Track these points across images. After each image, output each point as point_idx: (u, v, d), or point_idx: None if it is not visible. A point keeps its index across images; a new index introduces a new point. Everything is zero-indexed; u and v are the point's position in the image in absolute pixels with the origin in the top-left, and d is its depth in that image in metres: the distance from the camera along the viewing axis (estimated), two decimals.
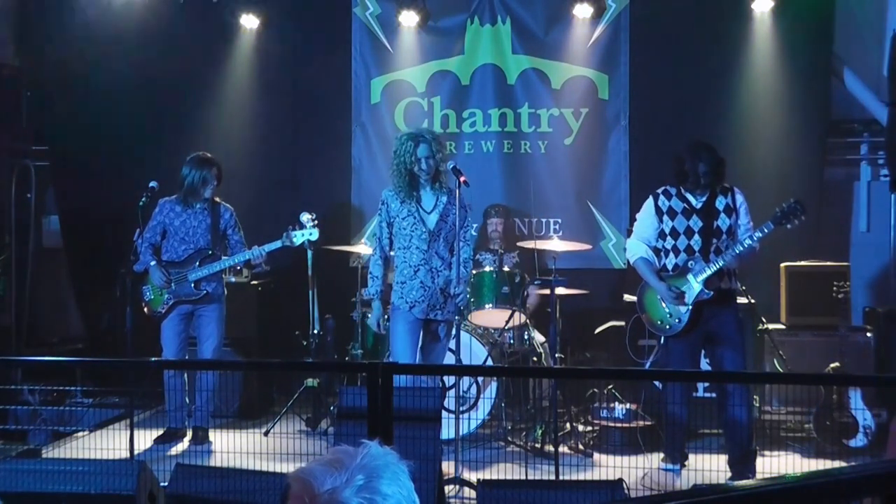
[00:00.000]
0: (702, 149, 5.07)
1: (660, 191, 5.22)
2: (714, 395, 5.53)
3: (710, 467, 5.07)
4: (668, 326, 5.13)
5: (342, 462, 1.57)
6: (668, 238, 5.15)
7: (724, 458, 5.16)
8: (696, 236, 5.08)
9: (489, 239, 6.78)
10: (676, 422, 5.21)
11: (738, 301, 5.35)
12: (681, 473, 5.15)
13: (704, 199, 5.10)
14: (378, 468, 1.57)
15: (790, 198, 4.90)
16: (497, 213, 6.82)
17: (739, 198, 5.13)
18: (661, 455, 5.26)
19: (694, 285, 5.00)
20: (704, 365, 5.39)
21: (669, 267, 5.14)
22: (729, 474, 5.03)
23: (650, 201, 5.23)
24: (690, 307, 5.02)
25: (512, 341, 6.10)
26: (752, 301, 5.79)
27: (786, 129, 6.96)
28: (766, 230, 4.85)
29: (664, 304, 5.12)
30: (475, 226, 6.93)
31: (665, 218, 5.14)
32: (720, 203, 5.09)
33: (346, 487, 1.53)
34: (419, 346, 5.20)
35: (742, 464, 5.04)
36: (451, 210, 5.08)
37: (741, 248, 4.92)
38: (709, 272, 4.96)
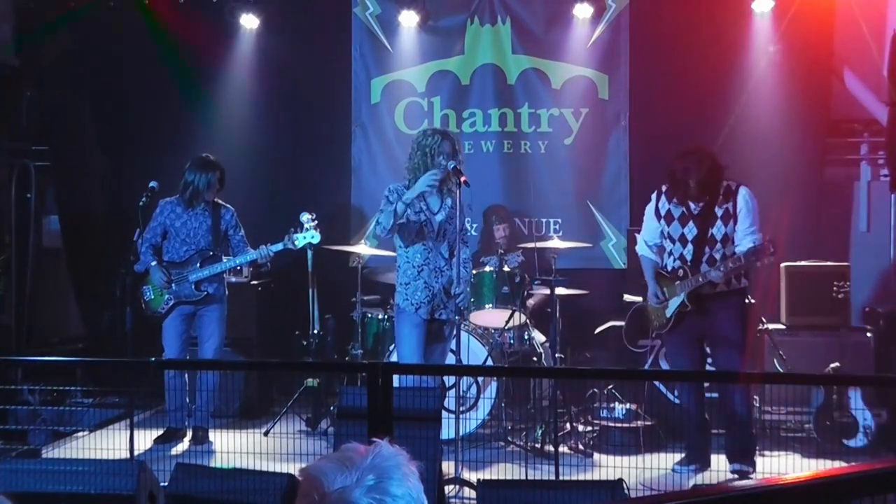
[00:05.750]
0: (691, 161, 4.91)
1: (663, 189, 5.19)
2: (716, 395, 5.56)
3: (710, 467, 5.07)
4: (657, 324, 5.27)
5: (353, 461, 1.56)
6: (667, 241, 5.19)
7: (724, 458, 5.16)
8: (690, 245, 5.04)
9: (496, 244, 6.71)
10: (692, 422, 5.20)
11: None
12: (688, 474, 5.13)
13: (703, 203, 5.01)
14: (388, 469, 1.56)
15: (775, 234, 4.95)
16: (500, 220, 6.74)
17: (741, 201, 4.96)
18: (681, 456, 5.26)
19: (678, 295, 5.06)
20: (708, 366, 5.41)
21: (669, 269, 5.19)
22: (729, 475, 5.03)
23: (652, 200, 5.24)
24: (674, 311, 5.08)
25: (512, 341, 6.10)
26: (752, 301, 5.79)
27: (786, 129, 6.95)
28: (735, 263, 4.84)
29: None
30: (475, 226, 6.94)
31: (663, 222, 5.16)
32: (719, 209, 4.99)
33: (357, 487, 1.53)
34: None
35: (742, 455, 5.06)
36: (455, 212, 5.04)
37: (722, 272, 4.84)
38: (692, 287, 4.97)
